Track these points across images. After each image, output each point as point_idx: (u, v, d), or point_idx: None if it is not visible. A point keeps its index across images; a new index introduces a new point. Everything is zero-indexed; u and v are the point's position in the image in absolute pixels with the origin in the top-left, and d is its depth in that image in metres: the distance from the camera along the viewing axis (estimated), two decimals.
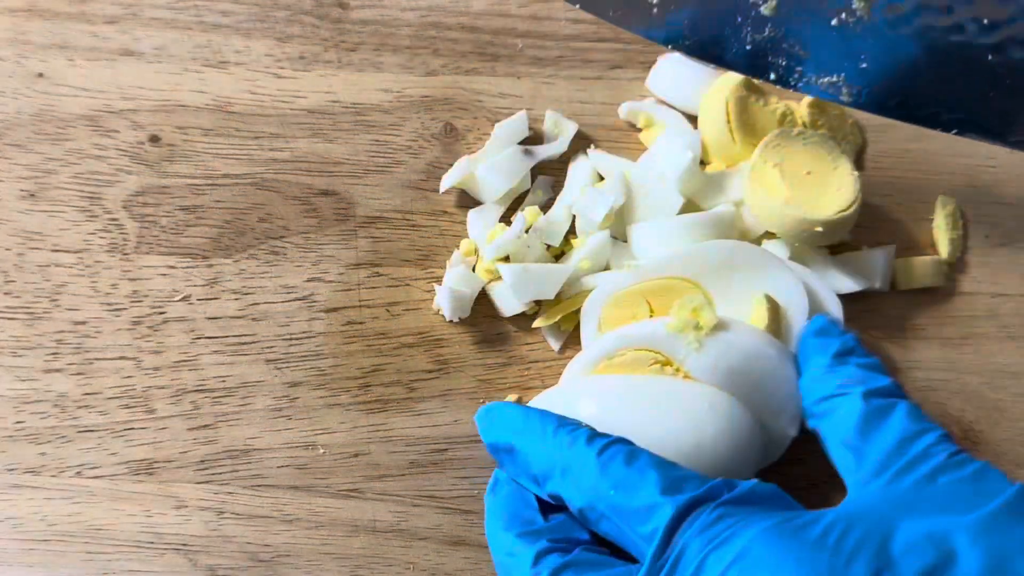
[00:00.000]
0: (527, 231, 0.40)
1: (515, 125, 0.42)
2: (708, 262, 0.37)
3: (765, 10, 0.34)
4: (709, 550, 0.27)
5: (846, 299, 0.39)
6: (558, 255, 0.41)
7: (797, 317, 0.37)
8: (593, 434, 0.32)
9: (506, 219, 0.41)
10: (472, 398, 0.39)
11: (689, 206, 0.41)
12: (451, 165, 0.41)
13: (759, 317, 0.37)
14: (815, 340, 0.36)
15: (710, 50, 0.35)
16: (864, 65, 0.34)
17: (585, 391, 0.36)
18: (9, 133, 0.41)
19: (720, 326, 0.36)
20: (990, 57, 0.32)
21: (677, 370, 0.36)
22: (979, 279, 0.43)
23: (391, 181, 0.42)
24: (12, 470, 0.37)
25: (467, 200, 0.42)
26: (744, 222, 0.41)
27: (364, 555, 0.37)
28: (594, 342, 0.38)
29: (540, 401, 0.37)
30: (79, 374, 0.38)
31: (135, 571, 0.36)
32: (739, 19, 0.34)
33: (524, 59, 0.44)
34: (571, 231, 0.41)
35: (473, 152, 0.42)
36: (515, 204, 0.42)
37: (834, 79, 0.35)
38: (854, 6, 0.33)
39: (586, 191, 0.40)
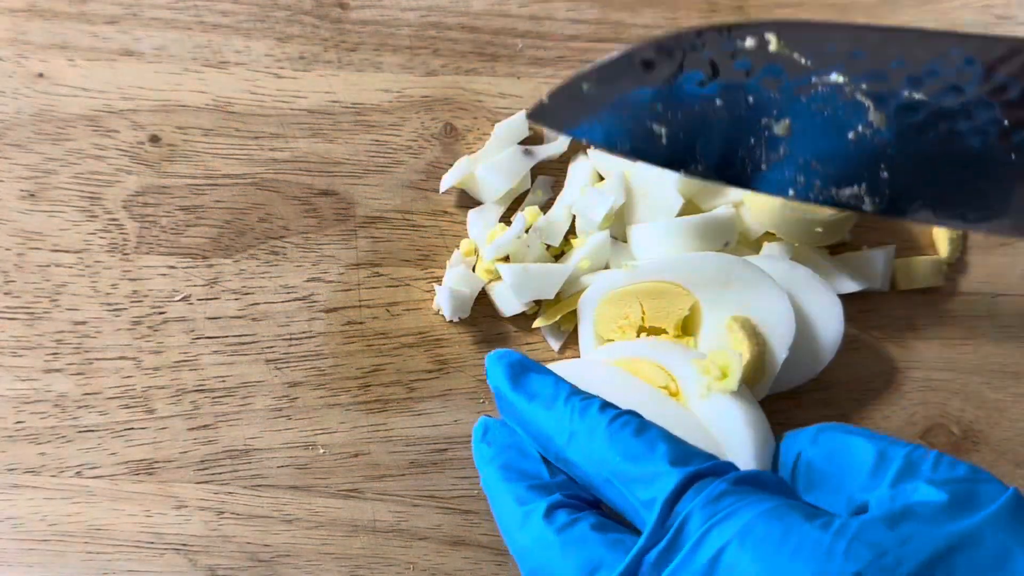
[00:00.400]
0: (527, 231, 0.40)
1: (515, 125, 0.42)
2: (704, 272, 0.37)
3: (778, 130, 0.33)
4: (712, 524, 0.27)
5: (846, 299, 0.39)
6: (558, 255, 0.41)
7: (782, 341, 0.37)
8: (605, 404, 0.32)
9: (506, 219, 0.41)
10: (472, 398, 0.39)
11: (689, 207, 0.41)
12: (451, 165, 0.41)
13: (737, 341, 0.37)
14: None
15: (724, 173, 0.35)
16: (885, 174, 0.33)
17: (602, 379, 0.36)
18: (9, 133, 0.41)
19: (736, 393, 0.35)
20: (1012, 157, 0.32)
21: (680, 401, 0.36)
22: (979, 279, 0.43)
23: (391, 181, 0.42)
24: (12, 470, 0.37)
25: (467, 200, 0.42)
26: (744, 223, 0.41)
27: (364, 555, 0.37)
28: (625, 344, 0.38)
29: (557, 369, 0.37)
30: (79, 374, 0.38)
31: (135, 571, 0.36)
32: (752, 141, 0.34)
33: (524, 59, 0.44)
34: (571, 231, 0.41)
35: (473, 152, 0.42)
36: (515, 204, 0.42)
37: (855, 190, 0.34)
38: (870, 118, 0.32)
39: (586, 191, 0.40)
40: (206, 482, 0.37)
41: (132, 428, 0.38)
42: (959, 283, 0.43)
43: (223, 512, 0.37)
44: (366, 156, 0.42)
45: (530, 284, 0.39)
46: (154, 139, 0.41)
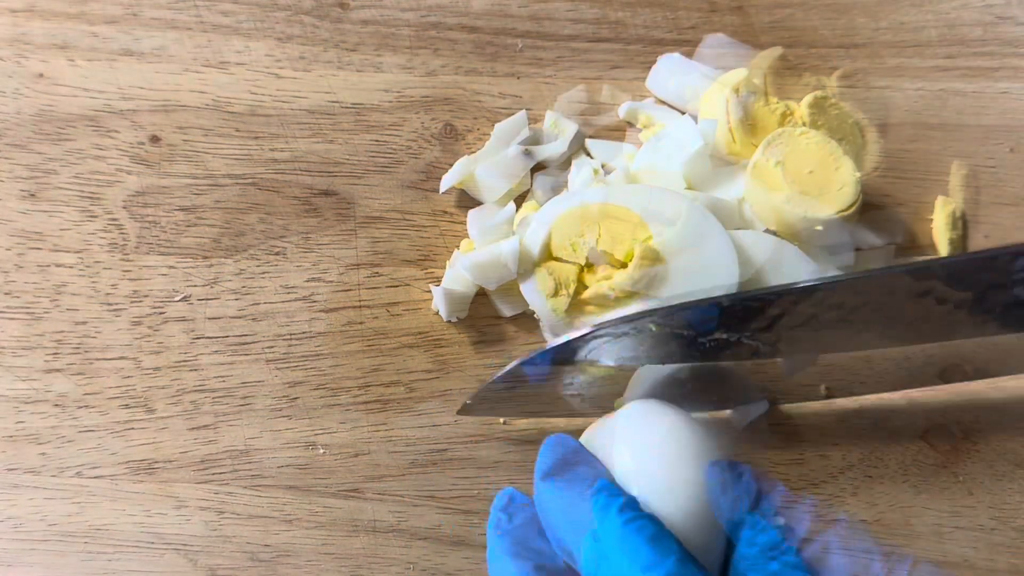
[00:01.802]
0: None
1: (515, 125, 0.42)
2: (661, 209, 0.37)
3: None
4: None
5: None
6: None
7: (724, 284, 0.37)
8: (628, 503, 0.29)
9: None
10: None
11: None
12: (451, 165, 0.41)
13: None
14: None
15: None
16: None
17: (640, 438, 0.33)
18: (9, 133, 0.41)
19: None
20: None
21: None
22: None
23: (391, 181, 0.42)
24: (12, 470, 0.37)
25: (467, 200, 0.42)
26: (744, 219, 0.41)
27: (364, 555, 0.37)
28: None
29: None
30: (79, 374, 0.38)
31: (135, 571, 0.36)
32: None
33: (524, 59, 0.44)
34: None
35: (473, 152, 0.42)
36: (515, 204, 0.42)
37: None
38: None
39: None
40: (206, 482, 0.37)
41: (132, 428, 0.38)
42: None
43: (223, 512, 0.37)
44: (366, 156, 0.42)
45: (488, 269, 0.38)
46: (154, 139, 0.41)
